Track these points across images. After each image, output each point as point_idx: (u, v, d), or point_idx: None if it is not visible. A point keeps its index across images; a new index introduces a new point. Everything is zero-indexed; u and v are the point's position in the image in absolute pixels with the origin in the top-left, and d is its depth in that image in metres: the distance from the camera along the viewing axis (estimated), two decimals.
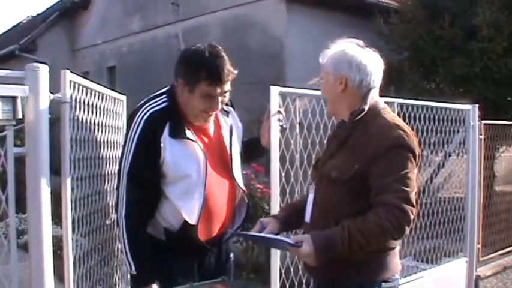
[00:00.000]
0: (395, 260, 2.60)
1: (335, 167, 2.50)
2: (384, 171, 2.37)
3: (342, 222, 2.37)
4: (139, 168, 2.69)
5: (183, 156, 2.75)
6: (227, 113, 3.03)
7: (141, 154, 2.69)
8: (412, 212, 2.34)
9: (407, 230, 2.38)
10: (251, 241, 2.51)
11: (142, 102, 2.82)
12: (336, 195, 2.50)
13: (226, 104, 2.95)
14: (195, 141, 2.79)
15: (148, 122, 2.70)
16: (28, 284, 2.29)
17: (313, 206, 2.64)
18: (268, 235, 2.61)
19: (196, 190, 2.78)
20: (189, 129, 2.80)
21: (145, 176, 2.70)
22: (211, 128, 2.95)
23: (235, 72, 2.77)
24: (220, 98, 2.77)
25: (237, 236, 2.77)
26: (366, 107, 2.51)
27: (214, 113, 2.86)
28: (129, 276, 2.76)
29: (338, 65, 2.53)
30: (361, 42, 2.61)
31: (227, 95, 2.82)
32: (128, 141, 2.72)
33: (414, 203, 2.37)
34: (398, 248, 2.60)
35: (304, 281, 3.78)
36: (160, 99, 2.80)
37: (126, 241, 2.67)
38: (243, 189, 3.07)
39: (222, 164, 2.94)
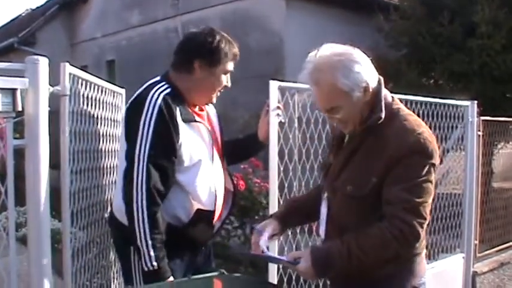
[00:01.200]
0: (423, 264, 2.48)
1: (350, 181, 2.33)
2: (395, 179, 2.21)
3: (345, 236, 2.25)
4: (160, 153, 2.58)
5: (194, 141, 2.71)
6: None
7: (161, 138, 2.57)
8: (420, 225, 2.19)
9: (415, 242, 2.25)
10: (249, 256, 2.41)
11: (143, 88, 2.72)
12: (353, 211, 2.33)
13: None
14: (202, 123, 2.78)
15: (163, 105, 2.59)
16: (26, 277, 2.29)
17: (327, 222, 2.49)
18: (265, 254, 2.51)
19: (207, 175, 2.76)
20: (194, 112, 2.79)
21: (166, 162, 2.60)
22: (205, 115, 2.93)
23: None
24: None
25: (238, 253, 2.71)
26: (383, 114, 2.29)
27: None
28: (140, 273, 2.62)
29: (355, 78, 2.24)
30: (333, 44, 2.33)
31: None
32: (143, 126, 2.57)
33: (425, 214, 2.21)
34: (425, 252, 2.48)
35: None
36: (163, 85, 2.71)
37: (148, 234, 2.52)
38: (232, 179, 3.05)
39: (218, 151, 2.93)
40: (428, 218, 2.25)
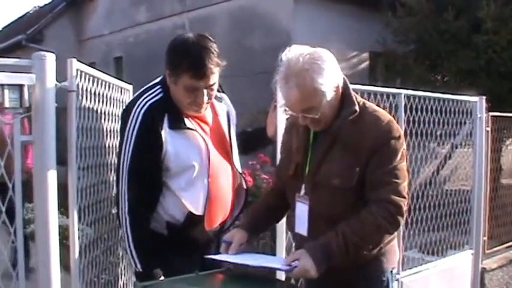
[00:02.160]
0: (396, 247, 2.69)
1: (334, 174, 2.42)
2: (376, 166, 2.37)
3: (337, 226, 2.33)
4: (140, 163, 2.62)
5: (185, 147, 2.69)
6: (220, 99, 2.96)
7: (142, 149, 2.61)
8: (404, 204, 2.36)
9: (403, 221, 2.40)
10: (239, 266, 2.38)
11: (136, 94, 2.75)
12: (340, 202, 2.43)
13: (218, 91, 2.84)
14: (195, 130, 2.74)
15: (146, 115, 2.62)
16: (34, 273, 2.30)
17: (312, 218, 2.52)
18: (257, 264, 2.46)
19: (199, 180, 2.74)
20: (187, 118, 2.73)
21: (147, 171, 2.64)
22: (208, 115, 2.88)
23: (223, 64, 2.66)
24: (205, 91, 2.66)
25: (222, 263, 2.68)
26: (357, 107, 2.45)
27: (203, 106, 2.74)
28: (133, 271, 2.73)
29: (328, 77, 2.34)
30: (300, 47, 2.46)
31: (215, 87, 2.71)
32: (126, 136, 2.63)
33: (405, 194, 2.39)
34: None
35: None
36: (155, 91, 2.71)
37: (130, 239, 2.62)
38: (243, 176, 3.05)
39: (223, 151, 2.90)
40: (408, 197, 2.43)
